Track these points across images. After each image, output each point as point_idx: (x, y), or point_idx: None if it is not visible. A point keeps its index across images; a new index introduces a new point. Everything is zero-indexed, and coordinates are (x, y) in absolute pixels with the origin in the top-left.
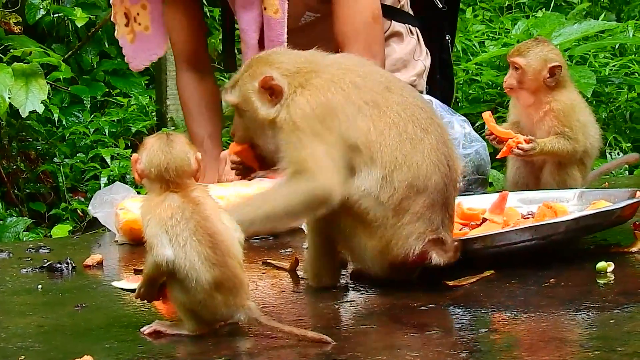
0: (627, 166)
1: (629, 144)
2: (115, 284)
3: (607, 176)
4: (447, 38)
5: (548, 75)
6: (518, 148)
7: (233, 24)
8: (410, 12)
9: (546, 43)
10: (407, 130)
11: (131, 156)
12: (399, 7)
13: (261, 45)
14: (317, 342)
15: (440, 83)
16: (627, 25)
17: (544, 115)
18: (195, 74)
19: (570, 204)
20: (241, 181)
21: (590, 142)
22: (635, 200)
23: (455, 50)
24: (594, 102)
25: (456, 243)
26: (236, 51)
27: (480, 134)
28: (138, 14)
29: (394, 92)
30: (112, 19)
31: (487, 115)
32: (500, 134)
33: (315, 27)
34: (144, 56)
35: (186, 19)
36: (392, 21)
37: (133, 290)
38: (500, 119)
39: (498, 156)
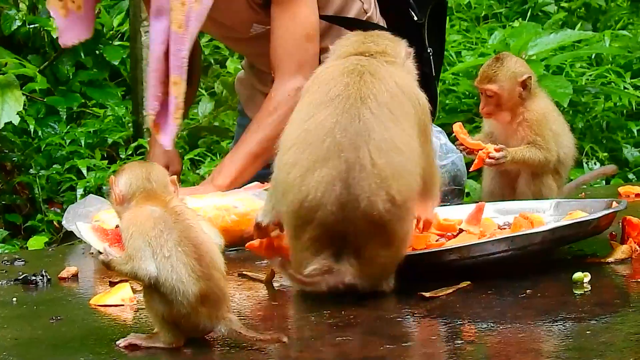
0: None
1: (606, 154)
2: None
3: (585, 186)
4: (428, 51)
5: (522, 89)
6: (489, 157)
7: None
8: (381, 22)
9: (509, 58)
10: (301, 157)
11: (108, 168)
12: (364, 18)
13: (166, 59)
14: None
15: None
16: (604, 35)
17: (517, 125)
18: None
19: (546, 214)
20: (217, 192)
21: (564, 152)
22: (611, 210)
23: None
24: (571, 112)
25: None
26: None
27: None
28: None
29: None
30: None
31: (457, 127)
32: (471, 145)
33: (267, 38)
34: (74, 34)
35: None
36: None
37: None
38: (477, 129)
39: (471, 169)
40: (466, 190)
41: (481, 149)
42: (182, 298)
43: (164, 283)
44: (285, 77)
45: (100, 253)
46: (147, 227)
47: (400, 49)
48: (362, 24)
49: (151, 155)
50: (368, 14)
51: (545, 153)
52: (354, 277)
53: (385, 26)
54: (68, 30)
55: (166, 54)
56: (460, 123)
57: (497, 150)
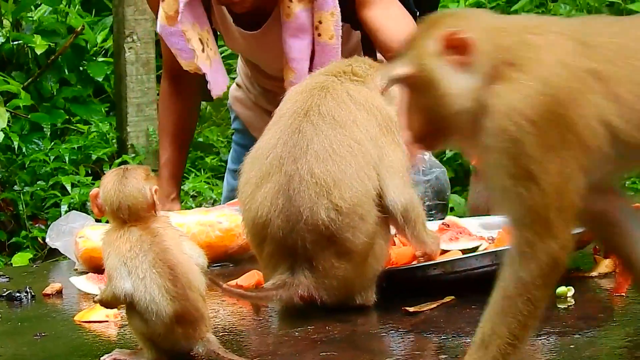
0: None
1: None
2: (74, 281)
3: None
4: None
5: None
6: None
7: None
8: None
9: None
10: (251, 174)
11: (92, 184)
12: None
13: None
14: None
15: None
16: None
17: None
18: (177, 88)
19: None
20: (200, 209)
21: None
22: None
23: None
24: None
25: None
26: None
27: (439, 159)
28: (208, 39)
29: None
30: (189, 46)
31: None
32: None
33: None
34: (221, 81)
35: None
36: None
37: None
38: None
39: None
40: (450, 205)
41: None
42: (156, 318)
43: (139, 302)
44: None
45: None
46: (123, 249)
47: (373, 71)
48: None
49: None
50: None
51: None
52: (310, 289)
53: None
54: (216, 80)
55: (309, 69)
56: None
57: None
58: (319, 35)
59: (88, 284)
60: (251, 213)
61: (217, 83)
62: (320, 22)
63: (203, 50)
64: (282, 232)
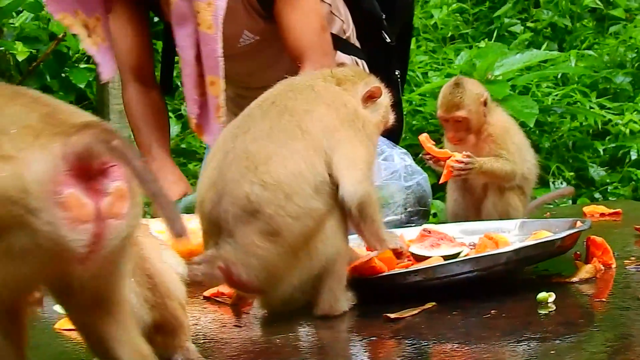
0: (570, 196)
1: (572, 173)
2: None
3: (551, 205)
4: (396, 73)
5: (484, 108)
6: (457, 162)
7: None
8: (357, 44)
9: (466, 81)
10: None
11: None
12: (344, 37)
13: (198, 62)
14: None
15: None
16: (569, 55)
17: (482, 142)
18: (140, 86)
19: (511, 234)
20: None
21: (527, 167)
22: (575, 230)
23: None
24: (537, 132)
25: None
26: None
27: (421, 165)
28: (96, 26)
29: None
30: (70, 33)
31: (423, 137)
32: (438, 154)
33: (257, 53)
34: (110, 65)
35: (131, 32)
36: (338, 52)
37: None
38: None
39: (441, 180)
40: (433, 211)
41: (448, 157)
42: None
43: None
44: (313, 64)
45: None
46: None
47: (356, 79)
48: (341, 42)
49: (162, 179)
50: (347, 34)
51: (512, 165)
52: (228, 263)
53: (360, 47)
54: (105, 63)
55: (197, 57)
56: (426, 134)
57: (464, 157)
58: (199, 24)
59: None
60: (198, 194)
61: (105, 68)
62: (198, 12)
63: (89, 36)
64: (210, 206)
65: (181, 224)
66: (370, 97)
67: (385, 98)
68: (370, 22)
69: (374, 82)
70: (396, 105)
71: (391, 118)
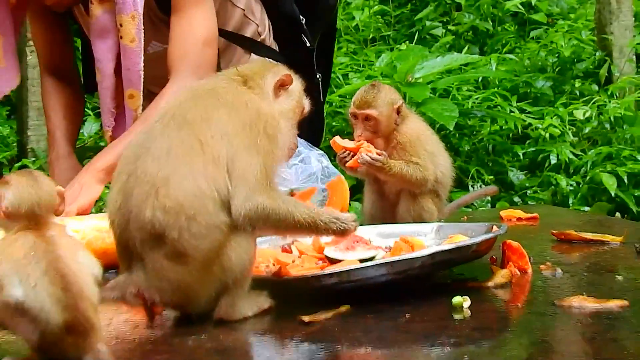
0: (489, 199)
1: (492, 177)
2: None
3: (470, 208)
4: (317, 76)
5: (397, 116)
6: (367, 154)
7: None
8: (274, 46)
9: (382, 86)
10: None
11: None
12: (259, 40)
13: (117, 74)
14: None
15: (309, 121)
16: (490, 59)
17: (392, 150)
18: (56, 81)
19: (427, 237)
20: (98, 214)
21: (441, 171)
22: (491, 235)
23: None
24: (457, 135)
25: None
26: None
27: (339, 168)
28: None
29: None
30: None
31: (334, 139)
32: (353, 148)
33: (164, 58)
34: (8, 81)
35: (49, 28)
36: (252, 54)
37: None
38: None
39: (348, 164)
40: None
41: (363, 147)
42: (45, 327)
43: (29, 311)
44: (180, 76)
45: None
46: (16, 256)
47: (263, 71)
48: (256, 45)
49: (56, 172)
50: (262, 37)
51: (423, 171)
52: (141, 289)
53: (278, 50)
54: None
55: (116, 70)
56: (338, 137)
57: (378, 153)
58: (121, 37)
59: None
60: (108, 214)
61: (4, 82)
62: (121, 25)
63: None
64: (119, 231)
65: None
66: (282, 86)
67: (298, 84)
68: (290, 25)
69: (283, 71)
70: (318, 107)
71: (307, 104)
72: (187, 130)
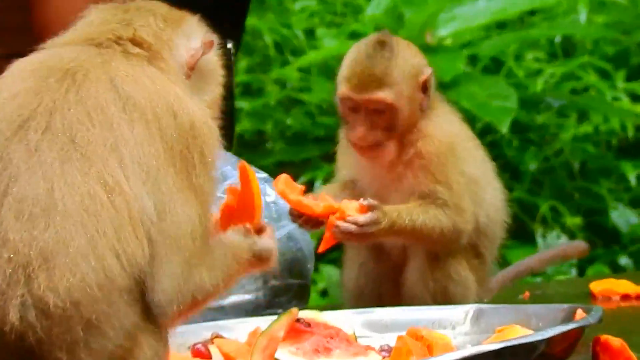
0: (574, 261)
1: (579, 217)
2: None
3: (538, 277)
4: (228, 46)
5: (424, 98)
6: (347, 222)
7: None
8: None
9: (395, 41)
10: None
11: None
12: None
13: None
14: None
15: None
16: (577, 2)
17: (405, 166)
18: None
19: (457, 330)
20: None
21: (487, 214)
22: (573, 325)
23: None
24: (516, 142)
25: None
26: None
27: None
28: None
29: None
30: None
31: (281, 184)
32: (313, 210)
33: None
34: None
35: None
36: None
37: None
38: (328, 179)
39: (319, 249)
40: (320, 286)
41: (333, 213)
42: None
43: None
44: None
45: None
46: None
47: (169, 31)
48: None
49: None
50: None
51: (454, 215)
52: None
53: None
54: None
55: None
56: (286, 176)
57: (362, 210)
58: None
59: None
60: None
61: None
62: None
63: None
64: None
65: None
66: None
67: (213, 53)
68: None
69: (197, 29)
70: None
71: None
72: (80, 164)
